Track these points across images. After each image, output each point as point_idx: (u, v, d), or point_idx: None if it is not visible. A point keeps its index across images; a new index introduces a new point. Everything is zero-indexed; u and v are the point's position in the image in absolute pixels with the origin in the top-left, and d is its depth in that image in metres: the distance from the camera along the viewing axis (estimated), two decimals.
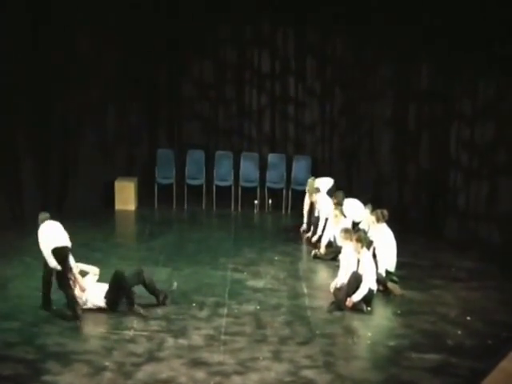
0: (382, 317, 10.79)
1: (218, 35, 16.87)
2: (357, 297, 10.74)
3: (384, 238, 11.85)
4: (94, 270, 11.09)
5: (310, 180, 14.83)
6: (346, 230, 11.79)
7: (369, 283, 10.83)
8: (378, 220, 12.00)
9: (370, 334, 10.08)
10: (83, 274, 11.00)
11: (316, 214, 14.46)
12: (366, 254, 11.03)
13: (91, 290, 10.68)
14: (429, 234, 14.91)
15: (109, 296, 10.57)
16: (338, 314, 10.72)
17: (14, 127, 14.46)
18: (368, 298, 10.88)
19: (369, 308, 10.85)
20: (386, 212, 12.12)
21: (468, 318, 10.68)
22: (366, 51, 16.28)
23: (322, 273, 12.68)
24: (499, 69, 13.93)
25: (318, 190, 14.39)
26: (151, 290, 10.81)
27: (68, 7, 15.10)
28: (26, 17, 14.38)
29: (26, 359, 8.94)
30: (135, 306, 10.44)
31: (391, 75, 16.14)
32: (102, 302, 10.57)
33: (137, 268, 11.06)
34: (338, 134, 16.62)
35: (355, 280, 10.80)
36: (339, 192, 13.86)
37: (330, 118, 16.86)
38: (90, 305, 10.57)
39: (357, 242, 11.08)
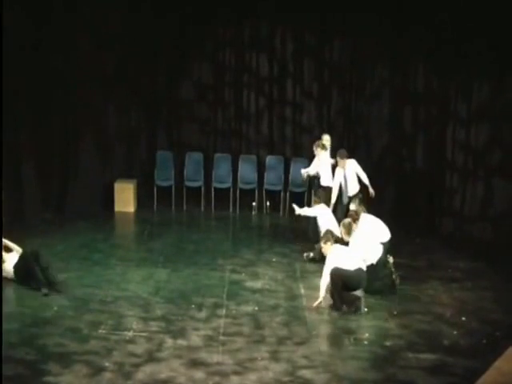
0: (378, 317, 10.82)
1: (217, 38, 16.99)
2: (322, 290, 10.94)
3: (371, 227, 11.91)
4: (17, 249, 11.68)
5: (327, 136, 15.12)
6: (325, 233, 11.87)
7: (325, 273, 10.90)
8: (354, 221, 11.95)
9: (366, 335, 10.14)
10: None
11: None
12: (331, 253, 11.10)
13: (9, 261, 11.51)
14: (425, 234, 15.04)
15: (15, 268, 11.40)
16: (334, 314, 10.80)
17: (15, 129, 14.50)
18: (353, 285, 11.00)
19: (365, 309, 10.93)
20: (357, 210, 12.14)
21: (463, 318, 10.75)
22: (362, 53, 16.41)
23: (319, 274, 12.69)
24: (494, 70, 14.05)
25: (324, 148, 14.50)
26: (45, 275, 11.32)
27: (68, 8, 15.20)
28: (26, 18, 14.45)
29: (26, 360, 8.96)
30: (41, 288, 11.09)
31: (388, 77, 16.28)
32: (11, 273, 11.42)
33: (33, 250, 11.61)
34: (335, 136, 16.71)
35: (335, 275, 10.87)
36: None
37: (327, 120, 16.97)
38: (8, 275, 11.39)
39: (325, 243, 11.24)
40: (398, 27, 15.74)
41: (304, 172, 14.99)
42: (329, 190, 14.11)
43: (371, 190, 14.05)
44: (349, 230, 11.74)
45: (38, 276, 11.24)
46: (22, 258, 11.50)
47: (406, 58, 15.87)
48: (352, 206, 12.54)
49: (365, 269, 11.07)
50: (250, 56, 17.07)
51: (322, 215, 13.45)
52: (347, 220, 11.91)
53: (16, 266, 11.45)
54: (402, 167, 16.22)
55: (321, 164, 14.59)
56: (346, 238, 11.81)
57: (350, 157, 14.15)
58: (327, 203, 13.75)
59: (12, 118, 14.33)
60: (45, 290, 11.07)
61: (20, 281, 11.43)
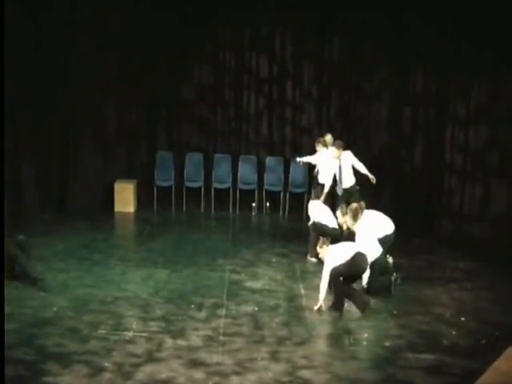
0: (377, 317, 10.83)
1: (217, 39, 17.02)
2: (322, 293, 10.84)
3: (373, 225, 11.81)
4: None
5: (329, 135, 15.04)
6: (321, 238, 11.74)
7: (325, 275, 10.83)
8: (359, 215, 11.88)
9: (366, 335, 10.16)
10: None
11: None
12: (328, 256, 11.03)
13: None
14: (423, 234, 15.06)
15: None
16: (334, 314, 10.83)
17: (15, 129, 14.53)
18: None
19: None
20: (361, 203, 12.01)
21: (462, 319, 10.77)
22: (362, 54, 16.44)
23: (319, 274, 12.66)
24: (493, 72, 14.08)
25: (325, 145, 14.55)
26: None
27: (69, 8, 15.23)
28: (27, 17, 14.47)
29: (25, 360, 8.96)
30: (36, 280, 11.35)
31: (387, 78, 16.30)
32: None
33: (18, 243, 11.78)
34: (335, 136, 16.69)
35: (333, 273, 10.86)
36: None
37: (327, 121, 17.00)
38: None
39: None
40: (398, 28, 15.74)
41: (299, 160, 15.02)
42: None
43: (371, 176, 13.99)
44: (355, 216, 11.66)
45: (29, 273, 11.43)
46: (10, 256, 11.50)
47: (405, 59, 15.88)
48: (338, 213, 12.40)
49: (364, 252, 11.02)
50: (249, 57, 17.09)
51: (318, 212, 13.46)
52: (354, 205, 11.85)
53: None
54: (400, 168, 16.23)
55: (320, 161, 14.62)
56: (350, 223, 11.75)
57: (346, 148, 14.15)
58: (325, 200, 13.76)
59: (12, 118, 14.35)
60: (40, 276, 11.35)
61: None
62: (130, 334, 9.88)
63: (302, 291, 11.81)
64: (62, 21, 15.20)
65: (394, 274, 11.79)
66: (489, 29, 13.85)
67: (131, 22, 16.23)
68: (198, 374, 8.79)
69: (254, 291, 11.77)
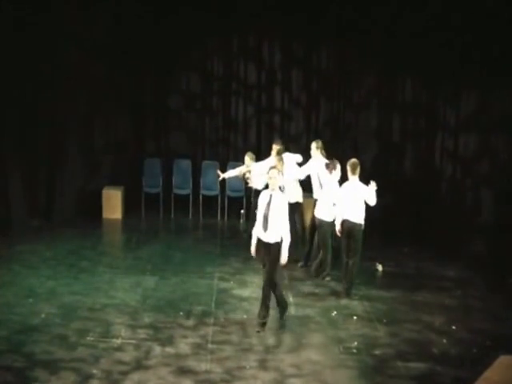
0: (367, 326, 10.81)
1: (205, 47, 17.04)
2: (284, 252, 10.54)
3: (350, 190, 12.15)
4: None
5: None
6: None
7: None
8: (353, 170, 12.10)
9: (355, 343, 10.13)
10: None
11: None
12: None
13: None
14: (413, 243, 15.03)
15: None
16: (323, 322, 10.80)
17: (1, 137, 14.47)
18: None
19: (355, 317, 10.93)
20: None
21: (453, 327, 10.77)
22: (350, 63, 16.47)
23: (307, 282, 12.70)
24: (482, 81, 14.16)
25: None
26: None
27: (55, 20, 15.15)
28: (13, 29, 14.41)
29: (13, 367, 8.92)
30: None
31: (376, 86, 16.32)
32: None
33: None
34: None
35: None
36: None
37: (315, 129, 17.00)
38: None
39: None
40: (387, 36, 15.77)
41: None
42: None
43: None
44: (354, 170, 11.99)
45: None
46: None
47: (394, 68, 15.92)
48: None
49: None
50: (237, 64, 17.12)
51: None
52: (354, 160, 12.10)
53: None
54: (390, 177, 16.23)
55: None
56: (350, 175, 12.03)
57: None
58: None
59: None
60: None
61: None
62: (119, 341, 9.82)
63: (291, 299, 11.72)
64: (49, 33, 15.08)
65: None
66: (478, 39, 13.95)
67: (118, 31, 16.19)
68: (187, 382, 8.76)
69: (242, 299, 11.72)
